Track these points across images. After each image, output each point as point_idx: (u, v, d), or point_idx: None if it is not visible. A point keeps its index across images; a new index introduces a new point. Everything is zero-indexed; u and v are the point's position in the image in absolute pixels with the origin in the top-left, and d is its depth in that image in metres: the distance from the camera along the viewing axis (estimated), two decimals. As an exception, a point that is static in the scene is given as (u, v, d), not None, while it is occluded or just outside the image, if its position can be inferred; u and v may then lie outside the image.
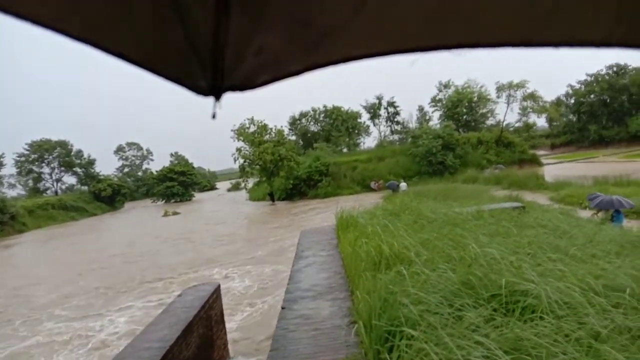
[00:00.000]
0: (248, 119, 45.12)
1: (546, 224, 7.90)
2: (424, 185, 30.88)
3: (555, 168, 42.83)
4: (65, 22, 0.58)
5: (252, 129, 45.06)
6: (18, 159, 73.39)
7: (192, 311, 7.72)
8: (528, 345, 2.91)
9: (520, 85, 48.00)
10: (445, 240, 5.87)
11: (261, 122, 45.38)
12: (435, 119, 63.39)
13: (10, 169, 72.21)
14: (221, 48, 0.67)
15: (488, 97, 55.86)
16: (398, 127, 68.52)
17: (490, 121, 59.46)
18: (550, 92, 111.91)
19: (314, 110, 69.02)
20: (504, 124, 51.87)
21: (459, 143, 45.30)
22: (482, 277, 4.18)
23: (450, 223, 7.72)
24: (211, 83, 0.70)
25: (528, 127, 56.48)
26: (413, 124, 64.92)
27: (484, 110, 58.48)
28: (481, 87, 56.78)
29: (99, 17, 0.60)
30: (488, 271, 4.30)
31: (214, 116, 0.72)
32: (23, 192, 74.22)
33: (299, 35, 0.69)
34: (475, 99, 56.49)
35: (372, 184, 41.29)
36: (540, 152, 55.49)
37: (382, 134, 69.21)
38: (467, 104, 56.41)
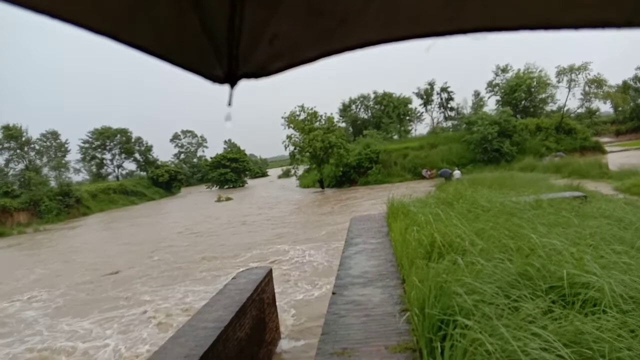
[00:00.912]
0: (298, 107, 45.47)
1: (610, 215, 7.49)
2: (479, 174, 29.99)
3: (620, 156, 40.32)
4: (86, 17, 0.60)
5: (303, 116, 45.32)
6: (82, 145, 77.70)
7: (245, 294, 7.96)
8: (589, 339, 2.80)
9: (583, 69, 45.42)
10: (501, 230, 5.70)
11: (311, 109, 45.55)
12: (491, 104, 61.27)
13: (75, 155, 76.50)
14: (236, 36, 0.68)
15: (548, 81, 53.21)
16: (452, 113, 66.73)
17: (550, 107, 56.68)
18: (616, 75, 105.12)
19: (364, 96, 68.40)
20: (565, 109, 49.42)
21: (516, 129, 43.55)
22: (540, 268, 4.04)
23: (507, 212, 7.48)
24: (227, 71, 0.71)
25: (591, 112, 53.57)
26: (467, 110, 62.98)
27: (544, 96, 55.80)
28: (540, 71, 54.18)
29: (118, 10, 0.61)
30: (547, 262, 4.15)
31: (229, 103, 0.73)
32: (87, 177, 78.66)
33: (314, 21, 0.69)
34: (535, 83, 53.95)
35: (424, 172, 40.57)
36: (603, 140, 52.36)
37: (435, 120, 67.75)
38: (525, 89, 53.98)
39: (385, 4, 0.65)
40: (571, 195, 10.38)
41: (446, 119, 67.35)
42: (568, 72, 46.67)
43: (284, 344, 9.44)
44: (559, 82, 49.51)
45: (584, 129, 47.33)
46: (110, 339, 10.63)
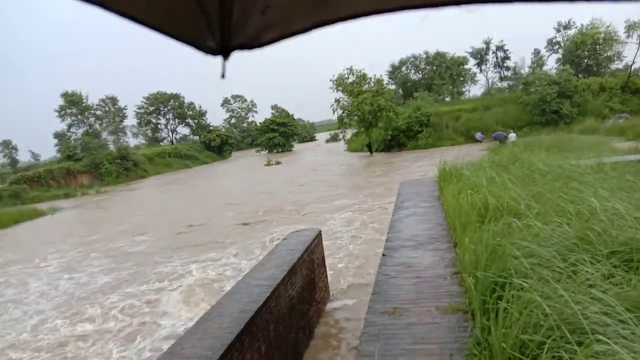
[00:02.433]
0: (347, 69, 44.69)
1: (681, 179, 7.03)
2: (536, 136, 28.74)
3: (694, 116, 37.34)
4: None
5: (351, 79, 44.59)
6: (138, 110, 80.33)
7: (295, 254, 8.17)
8: (654, 304, 2.71)
9: (657, 22, 41.80)
10: (560, 194, 5.50)
11: (360, 71, 44.71)
12: (550, 63, 57.83)
13: (132, 120, 79.40)
14: (228, 7, 0.67)
15: (615, 37, 49.39)
16: (508, 74, 63.62)
17: (616, 65, 52.83)
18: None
19: (415, 57, 66.13)
20: (633, 67, 45.92)
21: (577, 90, 41.02)
22: (601, 232, 3.89)
23: (565, 176, 7.17)
24: (219, 42, 0.70)
25: (663, 70, 49.48)
26: (525, 70, 59.75)
27: (610, 53, 51.99)
28: (608, 26, 50.26)
29: None
30: (608, 227, 3.99)
31: (223, 75, 0.72)
32: (143, 142, 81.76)
33: None
34: (601, 40, 50.22)
35: (478, 135, 39.23)
36: (677, 100, 48.53)
37: (490, 81, 64.90)
38: (590, 46, 50.42)
39: None
40: (636, 159, 9.81)
41: (502, 79, 64.38)
42: (639, 27, 43.09)
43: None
44: (628, 37, 45.94)
45: (653, 88, 43.99)
46: (229, 262, 13.39)
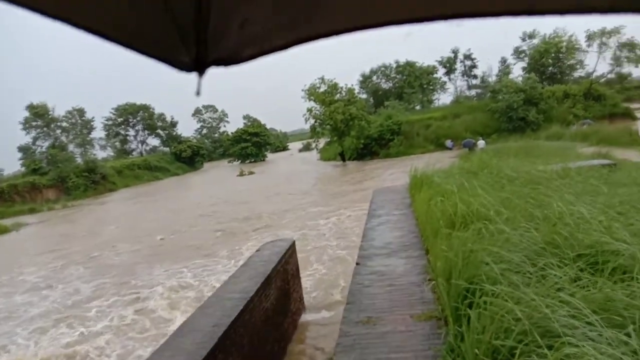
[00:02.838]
0: (319, 79, 44.94)
1: (641, 182, 7.29)
2: (504, 143, 29.43)
3: (651, 122, 38.96)
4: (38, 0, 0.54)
5: (323, 88, 44.84)
6: (106, 122, 78.63)
7: (270, 265, 8.09)
8: (619, 306, 2.77)
9: (615, 32, 43.50)
10: (528, 199, 5.62)
11: (331, 81, 45.02)
12: (517, 71, 59.40)
13: (99, 132, 77.60)
14: (204, 20, 0.63)
15: (577, 46, 51.20)
16: (476, 82, 65.09)
17: (578, 73, 54.64)
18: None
19: (385, 66, 67.03)
20: (594, 75, 47.64)
21: (542, 97, 42.28)
22: (568, 236, 3.98)
23: (533, 182, 7.35)
24: (194, 58, 0.66)
25: (622, 78, 51.46)
26: (493, 78, 61.25)
27: (572, 62, 53.81)
28: (570, 36, 52.11)
29: None
30: (574, 230, 4.09)
31: (198, 93, 0.68)
32: (112, 154, 79.97)
33: (284, 6, 0.64)
34: (564, 49, 51.97)
35: (448, 143, 39.91)
36: (635, 106, 50.41)
37: (459, 89, 66.21)
38: (553, 55, 52.11)
39: None
40: (600, 163, 10.13)
41: (470, 87, 65.82)
42: (599, 36, 44.78)
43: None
44: (589, 46, 47.70)
45: (613, 95, 45.64)
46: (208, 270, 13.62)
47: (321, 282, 11.10)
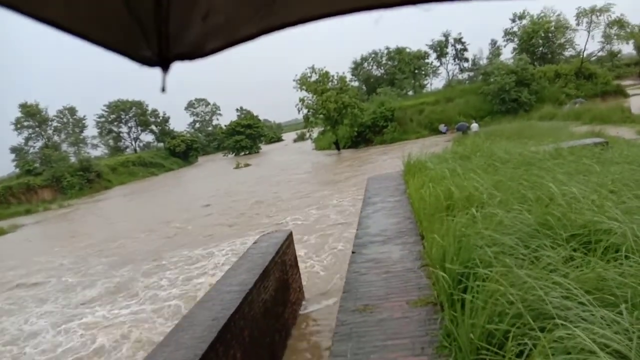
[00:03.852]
0: (309, 68, 44.68)
1: (633, 160, 7.30)
2: (497, 125, 29.49)
3: (643, 98, 39.04)
4: None
5: (314, 77, 44.61)
6: (98, 120, 78.08)
7: (267, 257, 8.11)
8: (612, 285, 2.78)
9: (604, 10, 43.36)
10: (520, 181, 5.63)
11: (323, 69, 44.77)
12: (507, 53, 59.32)
13: (92, 131, 77.06)
14: (165, 12, 0.60)
15: (566, 25, 51.04)
16: (467, 65, 64.94)
17: (569, 52, 54.56)
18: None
19: (376, 53, 66.70)
20: (585, 53, 47.60)
21: (534, 78, 42.26)
22: (560, 217, 3.99)
23: (526, 163, 7.36)
24: (157, 52, 0.63)
25: (612, 55, 51.42)
26: (484, 61, 61.10)
27: (562, 41, 53.68)
28: (558, 15, 51.89)
29: None
30: (567, 210, 4.09)
31: (163, 89, 0.65)
32: (106, 152, 79.51)
33: None
34: (553, 28, 51.83)
35: (441, 127, 39.92)
36: (626, 83, 50.40)
37: (450, 73, 66.09)
38: (543, 35, 51.97)
39: None
40: (592, 142, 10.15)
41: (462, 70, 65.73)
42: (589, 14, 44.64)
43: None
44: (578, 24, 47.56)
45: (604, 73, 45.63)
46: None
47: (323, 270, 11.20)
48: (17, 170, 55.34)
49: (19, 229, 32.52)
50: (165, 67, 0.65)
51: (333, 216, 16.44)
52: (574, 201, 4.35)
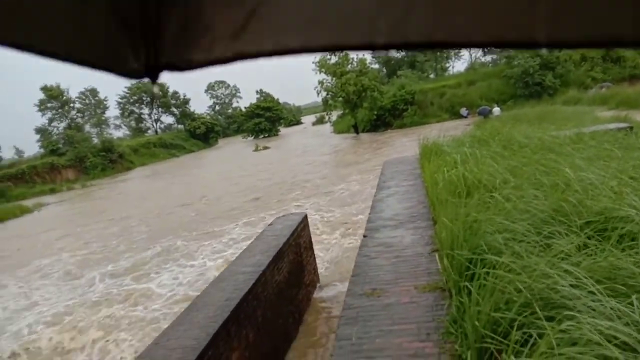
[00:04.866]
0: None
1: (658, 146, 7.07)
2: (520, 110, 28.85)
3: (675, 82, 37.60)
4: None
5: (334, 60, 44.16)
6: (120, 100, 78.96)
7: (282, 239, 8.14)
8: (624, 274, 2.70)
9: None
10: (537, 166, 5.49)
11: (342, 52, 44.16)
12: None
13: (114, 111, 78.08)
14: (154, 24, 0.59)
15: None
16: (491, 47, 63.36)
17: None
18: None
19: (398, 35, 65.54)
20: (615, 35, 45.89)
21: (559, 61, 41.03)
22: (576, 203, 3.88)
23: (544, 148, 7.18)
24: (144, 63, 0.62)
25: (644, 37, 49.45)
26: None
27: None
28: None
29: None
30: (583, 197, 3.98)
31: (152, 98, 0.64)
32: (127, 133, 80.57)
33: (225, 12, 0.59)
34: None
35: (463, 111, 39.23)
36: (657, 66, 48.64)
37: (473, 56, 64.75)
38: (570, 16, 50.28)
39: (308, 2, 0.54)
40: (616, 127, 9.85)
41: (485, 53, 64.28)
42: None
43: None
44: (608, 5, 45.79)
45: (633, 56, 44.00)
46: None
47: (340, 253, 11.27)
48: (42, 150, 56.60)
49: (44, 207, 33.30)
50: (153, 78, 0.65)
51: (349, 200, 16.62)
52: (591, 187, 4.22)
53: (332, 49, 0.57)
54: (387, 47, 0.54)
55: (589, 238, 3.39)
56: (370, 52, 0.59)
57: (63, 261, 15.09)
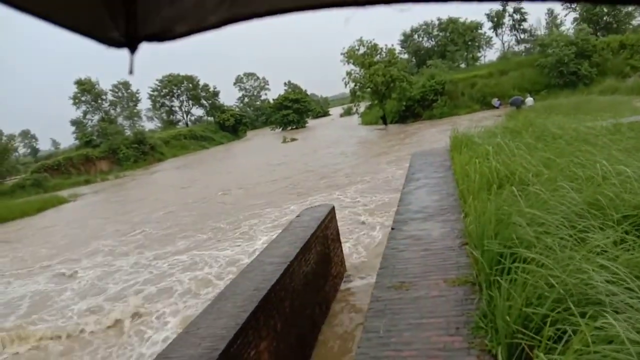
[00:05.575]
0: (357, 41, 43.76)
1: (701, 137, 6.77)
2: (554, 100, 27.97)
3: None
4: None
5: (362, 50, 43.72)
6: (152, 93, 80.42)
7: (309, 231, 8.18)
8: (666, 271, 2.60)
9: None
10: (571, 158, 5.32)
11: (371, 42, 43.77)
12: (567, 23, 55.81)
13: (145, 103, 79.53)
14: None
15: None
16: (524, 36, 61.69)
17: (637, 20, 50.70)
18: None
19: (427, 24, 64.48)
20: (656, 21, 44.04)
21: (596, 49, 39.50)
22: (613, 197, 3.75)
23: (579, 139, 6.95)
24: (124, 32, 0.61)
25: (687, 23, 47.30)
26: (542, 32, 57.78)
27: (630, 9, 49.84)
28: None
29: None
30: (620, 190, 3.84)
31: (130, 71, 0.63)
32: (159, 125, 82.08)
33: None
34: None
35: (494, 101, 38.31)
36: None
37: (506, 44, 63.06)
38: (608, 3, 48.27)
39: None
40: (657, 118, 9.46)
41: (518, 42, 62.60)
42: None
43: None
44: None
45: (677, 43, 42.08)
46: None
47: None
48: (77, 142, 58.28)
49: (79, 197, 34.33)
50: (132, 48, 0.63)
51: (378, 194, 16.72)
52: (629, 180, 4.07)
53: (330, 6, 0.56)
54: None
55: (626, 233, 3.28)
56: (371, 5, 0.55)
57: (122, 242, 16.23)
